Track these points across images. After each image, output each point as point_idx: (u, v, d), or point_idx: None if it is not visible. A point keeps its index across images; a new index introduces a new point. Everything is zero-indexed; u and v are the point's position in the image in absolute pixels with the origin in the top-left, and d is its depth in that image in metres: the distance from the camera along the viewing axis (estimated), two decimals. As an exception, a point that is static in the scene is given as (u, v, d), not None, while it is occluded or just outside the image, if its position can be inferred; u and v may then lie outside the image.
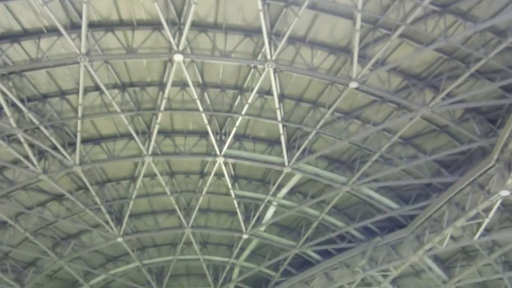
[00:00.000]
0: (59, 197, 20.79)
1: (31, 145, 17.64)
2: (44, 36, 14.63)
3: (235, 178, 21.05)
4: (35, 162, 18.07)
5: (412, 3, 13.55)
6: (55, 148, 17.96)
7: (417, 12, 13.48)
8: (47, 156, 18.63)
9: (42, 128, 17.02)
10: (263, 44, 14.79)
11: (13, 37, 14.58)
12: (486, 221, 18.43)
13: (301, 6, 13.64)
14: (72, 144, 18.21)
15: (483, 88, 15.72)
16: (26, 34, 14.62)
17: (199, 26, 14.85)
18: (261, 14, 13.69)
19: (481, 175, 17.68)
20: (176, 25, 14.52)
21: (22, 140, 17.14)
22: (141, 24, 14.75)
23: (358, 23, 13.83)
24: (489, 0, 13.24)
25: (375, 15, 14.01)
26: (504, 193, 16.89)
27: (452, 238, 19.86)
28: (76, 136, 17.76)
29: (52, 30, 14.44)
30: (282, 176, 19.78)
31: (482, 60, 14.63)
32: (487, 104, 16.46)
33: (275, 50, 14.85)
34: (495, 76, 15.44)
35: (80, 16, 13.66)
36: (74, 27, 14.28)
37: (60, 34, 14.21)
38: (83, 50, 14.43)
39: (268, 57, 14.97)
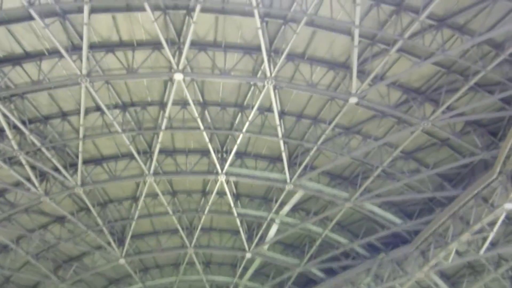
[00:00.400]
0: (60, 219, 20.69)
1: (33, 167, 17.65)
2: (45, 58, 14.78)
3: (237, 196, 20.98)
4: (36, 184, 18.05)
5: (409, 17, 13.69)
6: (56, 169, 17.96)
7: (414, 26, 13.60)
8: (48, 178, 18.60)
9: (43, 149, 17.05)
10: (262, 61, 14.91)
11: (15, 59, 14.73)
12: (491, 235, 18.23)
13: (299, 23, 13.79)
14: (74, 165, 18.23)
15: (483, 100, 15.75)
16: (27, 56, 14.78)
17: (199, 45, 15.01)
18: (260, 32, 13.84)
19: (484, 188, 17.55)
20: (176, 44, 14.68)
21: (23, 162, 17.15)
22: (141, 44, 14.92)
23: (356, 38, 13.96)
24: (485, 13, 13.37)
25: (373, 30, 14.14)
26: (509, 206, 16.74)
27: (458, 253, 19.60)
28: (77, 157, 17.78)
29: (53, 52, 14.59)
30: (284, 193, 19.70)
31: (480, 73, 14.69)
32: (487, 116, 16.46)
33: (274, 67, 14.97)
34: (494, 88, 15.48)
35: (81, 37, 13.83)
36: (75, 48, 14.43)
37: (61, 56, 14.36)
38: (84, 71, 14.55)
39: (268, 74, 15.07)
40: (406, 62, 15.28)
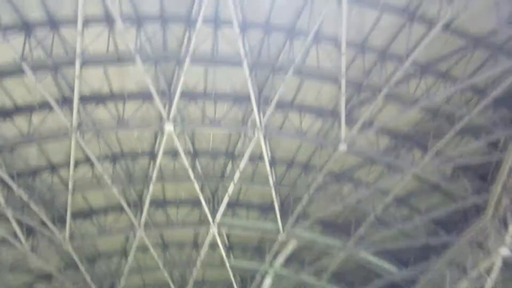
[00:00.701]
0: (47, 277, 19.98)
1: (19, 223, 17.25)
2: (36, 111, 14.84)
3: (229, 248, 20.56)
4: (23, 240, 17.57)
5: (393, 65, 14.12)
6: (44, 224, 17.56)
7: (398, 74, 13.98)
8: (35, 233, 18.15)
9: (31, 204, 16.74)
10: (252, 110, 15.12)
11: (5, 113, 14.78)
12: (489, 281, 17.87)
13: (287, 73, 14.13)
14: (62, 219, 17.85)
15: (470, 145, 15.96)
16: (18, 110, 14.84)
17: (189, 95, 15.24)
18: (249, 82, 14.13)
19: (478, 233, 17.42)
20: (166, 95, 14.88)
21: (10, 217, 16.77)
22: (132, 95, 15.11)
23: (343, 87, 14.28)
24: (466, 60, 13.83)
25: (359, 78, 14.51)
26: (504, 251, 16.53)
27: (457, 301, 19.12)
28: (66, 211, 17.45)
29: (44, 105, 14.67)
30: (277, 243, 19.34)
31: (465, 118, 14.98)
32: (475, 161, 16.60)
33: (264, 116, 15.16)
34: (480, 133, 15.74)
35: (72, 90, 13.99)
36: (65, 101, 14.57)
37: (51, 109, 14.45)
38: (74, 123, 14.61)
39: (258, 123, 15.24)
40: (392, 108, 15.58)
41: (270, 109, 14.92)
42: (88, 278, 19.68)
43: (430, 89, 14.68)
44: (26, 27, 12.66)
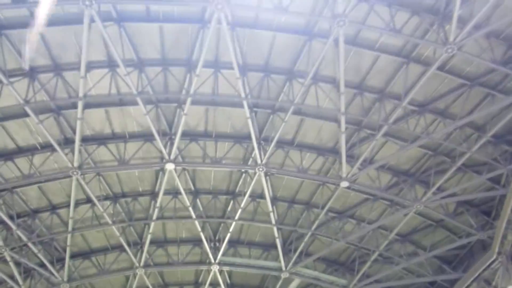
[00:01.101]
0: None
1: (17, 264, 17.04)
2: (37, 152, 14.90)
3: (231, 287, 20.17)
4: (20, 282, 17.31)
5: (392, 104, 14.22)
6: (42, 265, 17.34)
7: (397, 112, 14.06)
8: (33, 275, 17.90)
9: (30, 245, 16.58)
10: (252, 149, 15.14)
11: (7, 155, 14.82)
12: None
13: (287, 112, 14.23)
14: (61, 260, 17.63)
15: (472, 181, 15.89)
16: (19, 151, 14.89)
17: (190, 135, 15.30)
18: (249, 121, 14.21)
19: (485, 269, 17.13)
20: (167, 135, 14.95)
21: (8, 258, 16.58)
22: (133, 136, 15.18)
23: (343, 125, 14.33)
24: (463, 98, 13.94)
25: (359, 116, 14.59)
26: (513, 288, 16.24)
27: None
28: (65, 251, 17.27)
29: (46, 146, 14.75)
30: (280, 282, 19.02)
31: (466, 155, 14.98)
32: (478, 196, 16.51)
33: (264, 155, 15.17)
34: (481, 169, 15.69)
35: (74, 131, 14.07)
36: (67, 142, 14.63)
37: (53, 150, 14.50)
38: (75, 164, 14.63)
39: (259, 161, 15.23)
40: (393, 145, 15.60)
41: (270, 148, 14.94)
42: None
43: (429, 126, 14.74)
44: (30, 73, 12.84)
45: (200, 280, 19.93)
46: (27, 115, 13.46)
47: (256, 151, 15.01)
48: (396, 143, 15.43)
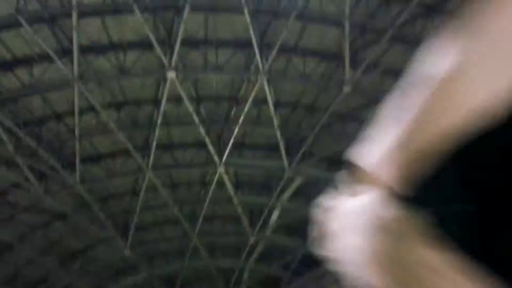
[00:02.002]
0: (62, 216, 20.87)
1: (31, 168, 17.71)
2: (36, 63, 14.66)
3: (237, 186, 21.11)
4: (35, 183, 18.15)
5: (398, 7, 13.56)
6: (54, 169, 18.03)
7: (404, 15, 13.46)
8: (47, 177, 18.69)
9: (40, 151, 17.08)
10: (254, 55, 14.82)
11: (5, 65, 14.61)
12: None
13: (289, 17, 13.65)
14: (71, 165, 18.27)
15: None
16: (18, 62, 14.64)
17: (190, 42, 14.88)
18: (251, 28, 13.70)
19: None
20: (167, 43, 14.54)
21: (20, 164, 17.20)
22: (132, 45, 14.78)
23: (347, 29, 13.83)
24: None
25: (363, 21, 14.01)
26: None
27: None
28: (74, 156, 17.82)
29: (44, 57, 14.46)
30: (284, 180, 19.84)
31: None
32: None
33: (266, 61, 14.88)
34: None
35: (71, 41, 13.70)
36: (65, 51, 14.31)
37: (52, 60, 14.25)
38: (75, 74, 14.47)
39: (261, 68, 14.99)
40: (399, 49, 15.17)
41: (272, 54, 14.61)
42: (102, 216, 20.52)
43: (437, 29, 14.18)
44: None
45: (206, 180, 20.79)
46: (21, 25, 13.00)
47: (258, 58, 14.70)
48: (402, 47, 14.98)
